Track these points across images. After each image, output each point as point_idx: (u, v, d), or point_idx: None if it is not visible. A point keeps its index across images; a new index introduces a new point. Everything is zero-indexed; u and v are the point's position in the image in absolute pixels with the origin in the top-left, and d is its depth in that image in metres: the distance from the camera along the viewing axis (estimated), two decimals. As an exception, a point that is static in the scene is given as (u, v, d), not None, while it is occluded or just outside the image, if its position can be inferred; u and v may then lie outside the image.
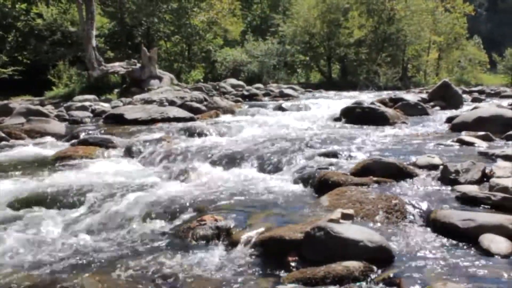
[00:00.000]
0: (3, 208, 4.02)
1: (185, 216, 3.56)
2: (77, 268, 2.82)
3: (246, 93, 17.14)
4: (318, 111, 10.18)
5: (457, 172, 3.93)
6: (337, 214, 3.04)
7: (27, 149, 6.93)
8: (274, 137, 6.66)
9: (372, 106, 8.64)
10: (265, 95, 17.11)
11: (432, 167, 4.37)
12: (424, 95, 12.37)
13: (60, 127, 8.88)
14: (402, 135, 6.67)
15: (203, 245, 3.09)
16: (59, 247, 3.17)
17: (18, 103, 13.31)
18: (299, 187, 4.27)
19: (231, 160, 5.32)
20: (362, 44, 31.66)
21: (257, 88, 18.82)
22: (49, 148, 7.01)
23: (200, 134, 7.34)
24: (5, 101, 13.48)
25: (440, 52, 43.01)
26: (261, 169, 4.98)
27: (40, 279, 2.69)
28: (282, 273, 2.59)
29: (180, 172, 5.04)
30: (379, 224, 3.14)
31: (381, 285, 2.36)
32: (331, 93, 19.38)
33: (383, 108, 8.42)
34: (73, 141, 7.29)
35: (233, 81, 20.97)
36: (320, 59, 33.74)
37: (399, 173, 4.13)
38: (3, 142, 7.56)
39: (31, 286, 2.61)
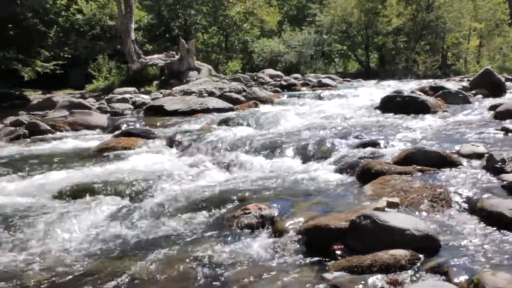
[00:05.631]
0: (49, 198, 4.15)
1: (229, 205, 3.60)
2: (123, 254, 2.91)
3: (284, 83, 17.01)
4: (357, 100, 10.05)
5: (503, 161, 3.86)
6: (382, 202, 3.03)
7: (71, 141, 7.09)
8: (314, 126, 6.63)
9: (413, 94, 8.48)
10: (303, 85, 16.95)
11: (476, 156, 4.30)
12: (465, 83, 12.06)
13: (102, 119, 9.04)
14: (444, 124, 6.55)
15: (247, 233, 3.12)
16: (105, 235, 3.26)
17: (61, 96, 13.59)
18: (341, 176, 4.24)
19: (272, 150, 5.33)
20: (401, 32, 31.02)
21: (295, 78, 18.65)
22: (92, 139, 7.15)
23: (240, 124, 7.36)
24: (48, 95, 13.79)
25: (481, 39, 41.91)
26: (303, 158, 4.98)
27: (86, 265, 2.78)
28: (327, 262, 2.60)
29: (221, 162, 5.09)
30: (424, 213, 3.12)
31: (428, 273, 2.35)
32: (370, 82, 19.08)
33: (423, 97, 8.25)
34: (115, 132, 7.43)
35: (271, 71, 20.84)
36: (357, 48, 33.23)
37: (443, 162, 4.09)
38: (49, 135, 7.75)
39: (79, 271, 2.71)
